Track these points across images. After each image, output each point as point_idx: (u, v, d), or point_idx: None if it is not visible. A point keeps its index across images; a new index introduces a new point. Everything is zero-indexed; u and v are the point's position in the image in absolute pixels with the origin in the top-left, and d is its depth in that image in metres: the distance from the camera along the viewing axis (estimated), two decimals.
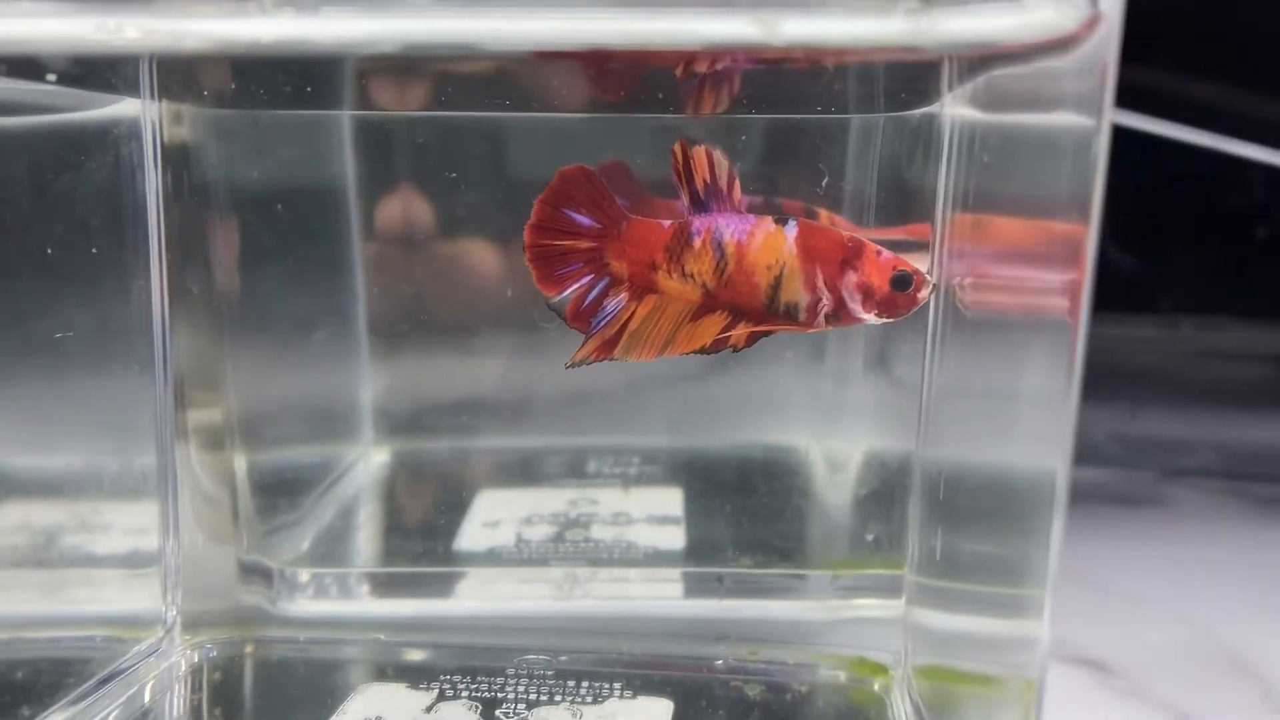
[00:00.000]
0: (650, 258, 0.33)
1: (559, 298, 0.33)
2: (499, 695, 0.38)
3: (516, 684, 0.39)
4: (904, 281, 0.32)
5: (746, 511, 0.48)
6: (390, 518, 0.50)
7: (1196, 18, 0.67)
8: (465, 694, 0.39)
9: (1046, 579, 0.25)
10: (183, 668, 0.40)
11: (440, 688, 0.39)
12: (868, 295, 0.32)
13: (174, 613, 0.41)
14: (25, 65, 0.30)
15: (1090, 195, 0.24)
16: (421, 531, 0.48)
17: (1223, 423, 0.73)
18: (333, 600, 0.45)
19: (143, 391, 0.40)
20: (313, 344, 0.48)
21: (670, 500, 0.49)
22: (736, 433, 0.51)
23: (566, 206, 0.33)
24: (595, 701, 0.38)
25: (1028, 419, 0.28)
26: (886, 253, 0.32)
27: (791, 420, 0.50)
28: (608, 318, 0.33)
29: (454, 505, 0.49)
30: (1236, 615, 0.49)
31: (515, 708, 0.38)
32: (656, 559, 0.46)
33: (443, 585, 0.46)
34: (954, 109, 0.37)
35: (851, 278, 0.32)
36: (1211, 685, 0.43)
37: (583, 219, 0.33)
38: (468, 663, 0.41)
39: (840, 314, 0.33)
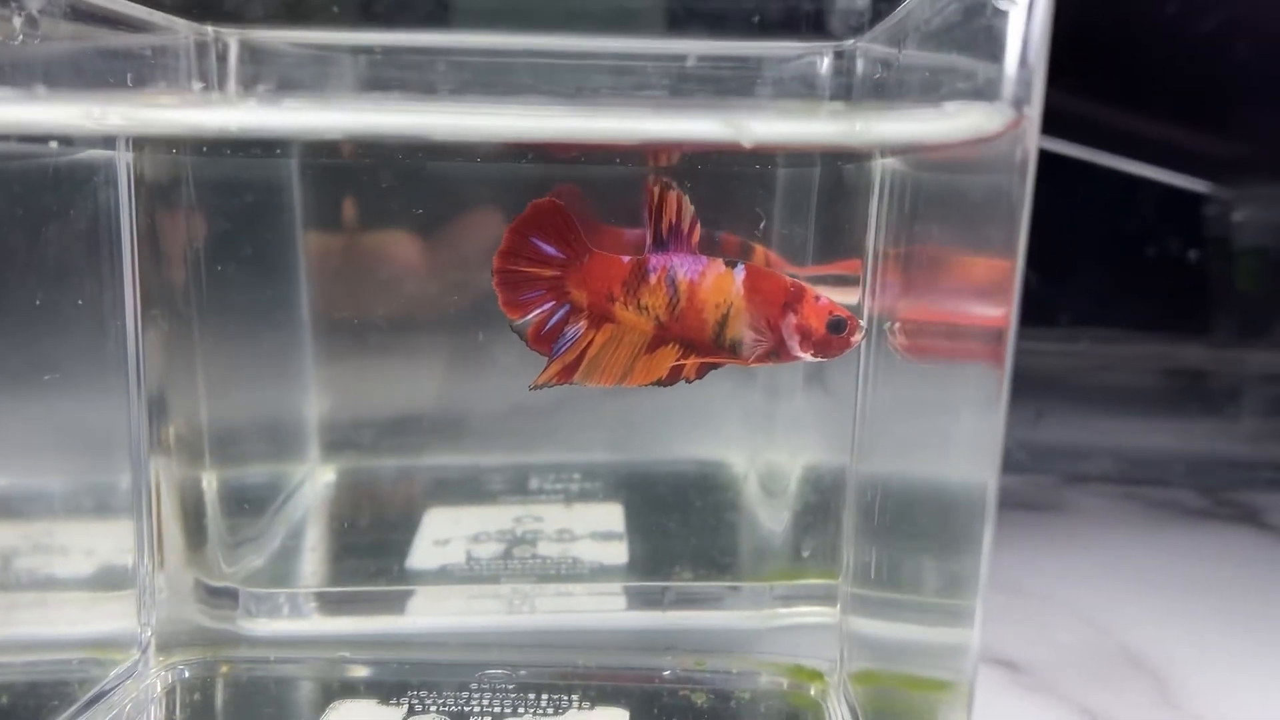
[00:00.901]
0: (608, 289, 0.36)
1: (522, 321, 0.36)
2: (465, 709, 0.41)
3: (481, 698, 0.42)
4: (839, 326, 0.35)
5: (685, 526, 0.51)
6: (343, 537, 0.52)
7: (1093, 42, 0.71)
8: (434, 708, 0.41)
9: (978, 589, 0.28)
10: (158, 689, 0.42)
11: (409, 703, 0.41)
12: (805, 336, 0.35)
13: (149, 633, 0.43)
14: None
15: (1015, 249, 0.27)
16: (375, 550, 0.50)
17: (1119, 430, 0.78)
18: (294, 619, 0.47)
19: (117, 414, 0.41)
20: (264, 365, 0.50)
21: (612, 516, 0.52)
22: (672, 448, 0.53)
23: (535, 235, 0.35)
24: (557, 713, 0.41)
25: (958, 440, 0.31)
26: (825, 298, 0.36)
27: (726, 436, 0.53)
28: (568, 344, 0.36)
29: (403, 524, 0.51)
30: (1136, 616, 0.53)
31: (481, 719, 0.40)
32: (601, 574, 0.49)
33: (400, 603, 0.48)
34: (885, 161, 0.40)
35: (791, 320, 0.35)
36: (1114, 682, 0.47)
37: (549, 249, 0.35)
38: (431, 678, 0.43)
39: (779, 352, 0.36)
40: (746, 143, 0.27)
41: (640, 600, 0.48)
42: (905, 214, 0.38)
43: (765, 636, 0.46)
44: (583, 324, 0.36)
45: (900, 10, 0.40)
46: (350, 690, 0.42)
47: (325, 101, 0.34)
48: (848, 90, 0.47)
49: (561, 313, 0.36)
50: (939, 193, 0.34)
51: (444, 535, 0.51)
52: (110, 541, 0.42)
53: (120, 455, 0.42)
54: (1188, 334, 0.89)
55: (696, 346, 0.35)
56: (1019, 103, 0.26)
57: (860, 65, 0.47)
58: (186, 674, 0.43)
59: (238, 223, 0.46)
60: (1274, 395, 0.89)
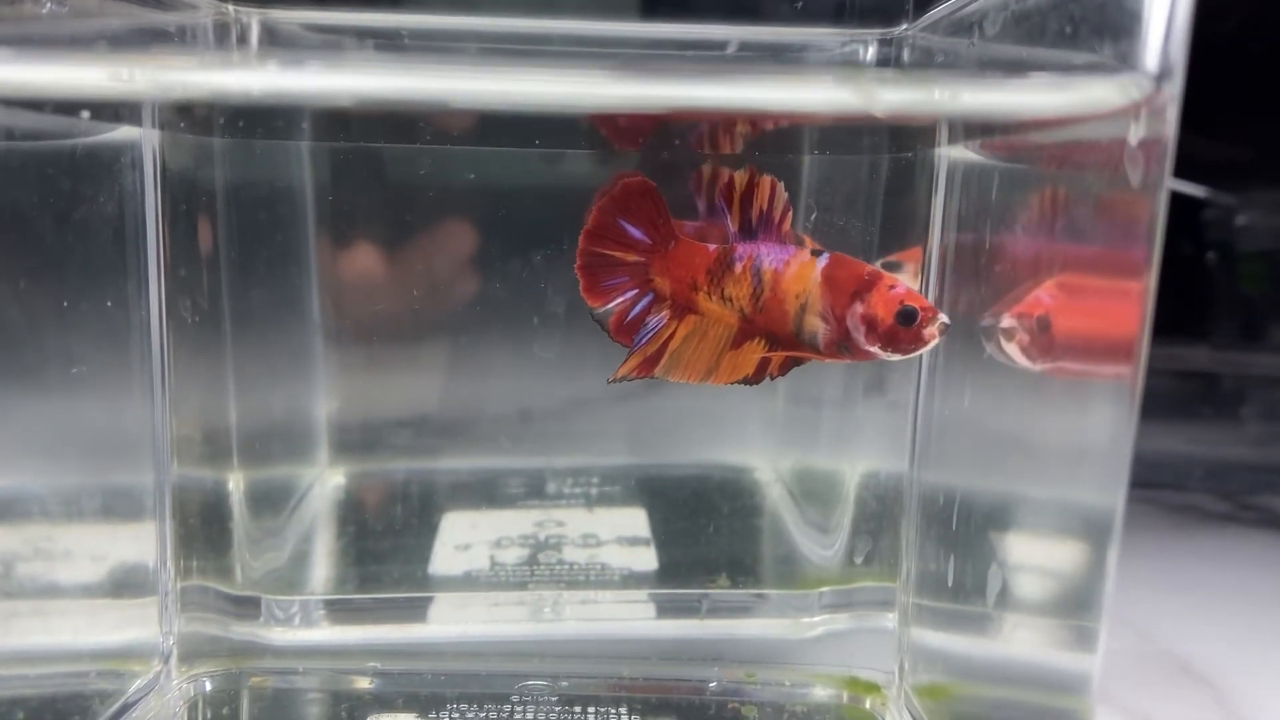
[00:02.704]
0: (693, 278, 0.33)
1: (603, 309, 0.34)
2: None
3: (524, 711, 0.40)
4: (909, 316, 0.32)
5: (713, 531, 0.49)
6: (361, 542, 0.50)
7: None
8: None
9: (1101, 612, 0.27)
10: (182, 702, 0.40)
11: (451, 716, 0.39)
12: (871, 327, 0.32)
13: (171, 642, 0.40)
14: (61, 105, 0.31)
15: (1150, 247, 0.26)
16: (395, 555, 0.48)
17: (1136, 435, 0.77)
18: (319, 628, 0.44)
19: (141, 417, 0.39)
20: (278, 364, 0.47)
21: (636, 520, 0.50)
22: (694, 452, 0.52)
23: (623, 217, 0.33)
24: None
25: (1077, 457, 0.30)
26: (902, 287, 0.32)
27: (757, 439, 0.51)
28: (649, 334, 0.34)
29: (422, 529, 0.49)
30: (1178, 621, 0.52)
31: None
32: (631, 580, 0.47)
33: (425, 610, 0.46)
34: (949, 150, 0.39)
35: (858, 309, 0.32)
36: (1168, 689, 0.46)
37: (636, 232, 0.33)
38: (468, 689, 0.41)
39: (849, 345, 0.33)
40: (879, 112, 0.25)
41: (676, 608, 0.47)
42: (981, 206, 0.36)
43: (812, 646, 0.44)
44: (665, 314, 0.34)
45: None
46: (385, 704, 0.40)
47: (347, 64, 0.32)
48: None
49: (645, 302, 0.34)
50: (1031, 183, 0.32)
51: (464, 540, 0.49)
52: (132, 547, 0.39)
53: (143, 458, 0.39)
54: (1195, 337, 0.88)
55: (780, 340, 0.33)
56: (1163, 75, 0.24)
57: (907, 53, 0.46)
58: (209, 686, 0.41)
59: (258, 211, 0.44)
60: (1278, 399, 0.89)
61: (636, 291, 0.34)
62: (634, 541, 0.49)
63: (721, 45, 0.47)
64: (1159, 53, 0.24)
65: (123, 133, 0.38)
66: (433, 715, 0.39)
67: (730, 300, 0.33)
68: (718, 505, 0.51)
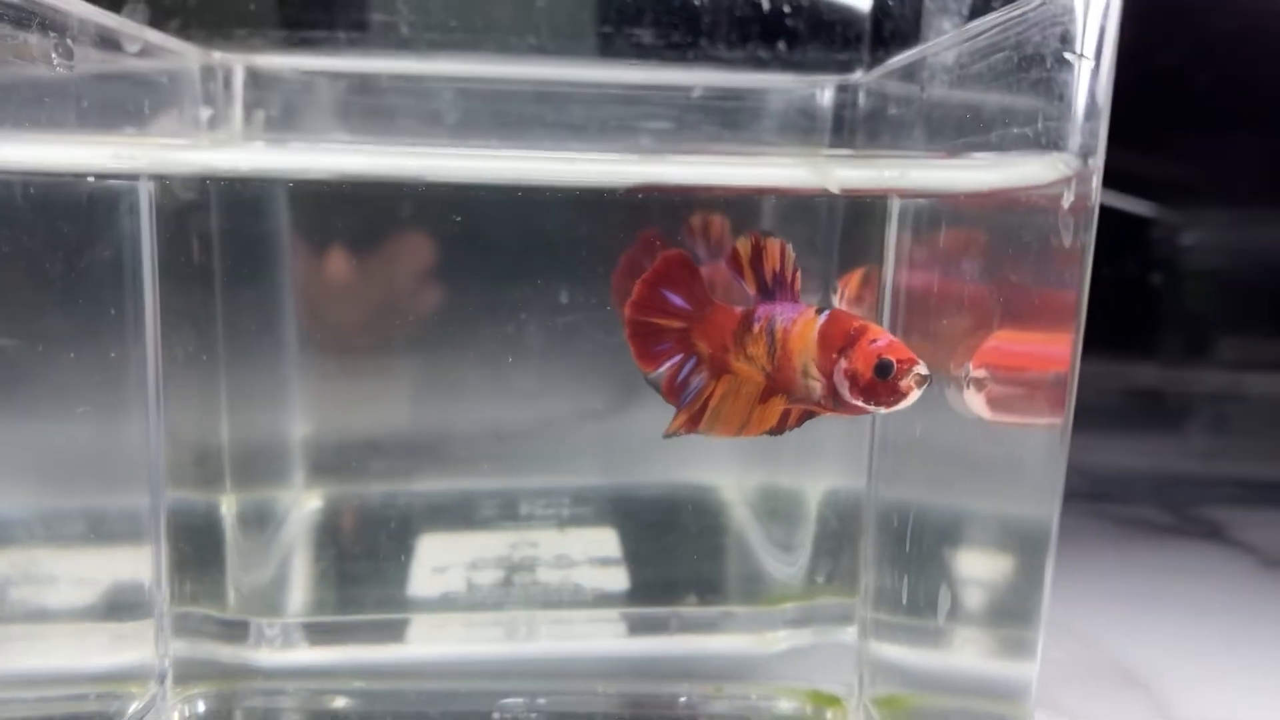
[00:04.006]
0: (724, 341, 0.35)
1: (655, 373, 0.35)
2: None
3: None
4: (884, 370, 0.32)
5: (681, 551, 0.52)
6: (340, 565, 0.51)
7: None
8: None
9: (1039, 621, 0.29)
10: None
11: None
12: (854, 382, 0.33)
13: (168, 663, 0.42)
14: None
15: (1078, 291, 0.28)
16: (374, 578, 0.50)
17: (1085, 449, 0.81)
18: (304, 649, 0.46)
19: (136, 442, 0.41)
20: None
21: (606, 540, 0.52)
22: (661, 473, 0.54)
23: (665, 287, 0.35)
24: None
25: (1014, 473, 0.32)
26: (884, 340, 0.33)
27: (712, 460, 0.53)
28: (692, 394, 0.35)
29: (400, 551, 0.51)
30: (1123, 631, 0.55)
31: None
32: (603, 600, 0.49)
33: (405, 631, 0.48)
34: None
35: (842, 364, 0.33)
36: (1111, 695, 0.48)
37: (677, 300, 0.35)
38: (450, 708, 0.43)
39: (839, 400, 0.33)
40: (833, 188, 0.28)
41: (646, 626, 0.49)
42: (931, 248, 0.39)
43: (777, 661, 0.46)
44: (705, 374, 0.35)
45: (920, 50, 0.41)
46: None
47: (325, 145, 0.36)
48: (851, 124, 0.49)
49: (690, 365, 0.35)
50: (978, 231, 0.35)
51: (442, 563, 0.51)
52: (128, 570, 0.41)
53: (139, 483, 0.41)
54: (1142, 354, 0.92)
55: (795, 396, 0.34)
56: (1086, 153, 0.27)
57: (862, 99, 0.48)
58: (203, 707, 0.43)
59: (244, 251, 0.46)
60: (1223, 413, 0.93)
61: (682, 356, 0.35)
62: (605, 562, 0.51)
63: (687, 89, 0.50)
64: (1085, 135, 0.27)
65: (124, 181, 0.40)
66: None
67: (753, 359, 0.34)
68: (685, 525, 0.53)
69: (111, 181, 0.39)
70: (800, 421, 0.35)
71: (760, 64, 0.50)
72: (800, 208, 0.44)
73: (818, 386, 0.33)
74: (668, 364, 0.35)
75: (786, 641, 0.47)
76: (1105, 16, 0.26)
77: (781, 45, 0.50)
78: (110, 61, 0.39)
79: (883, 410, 0.33)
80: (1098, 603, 0.58)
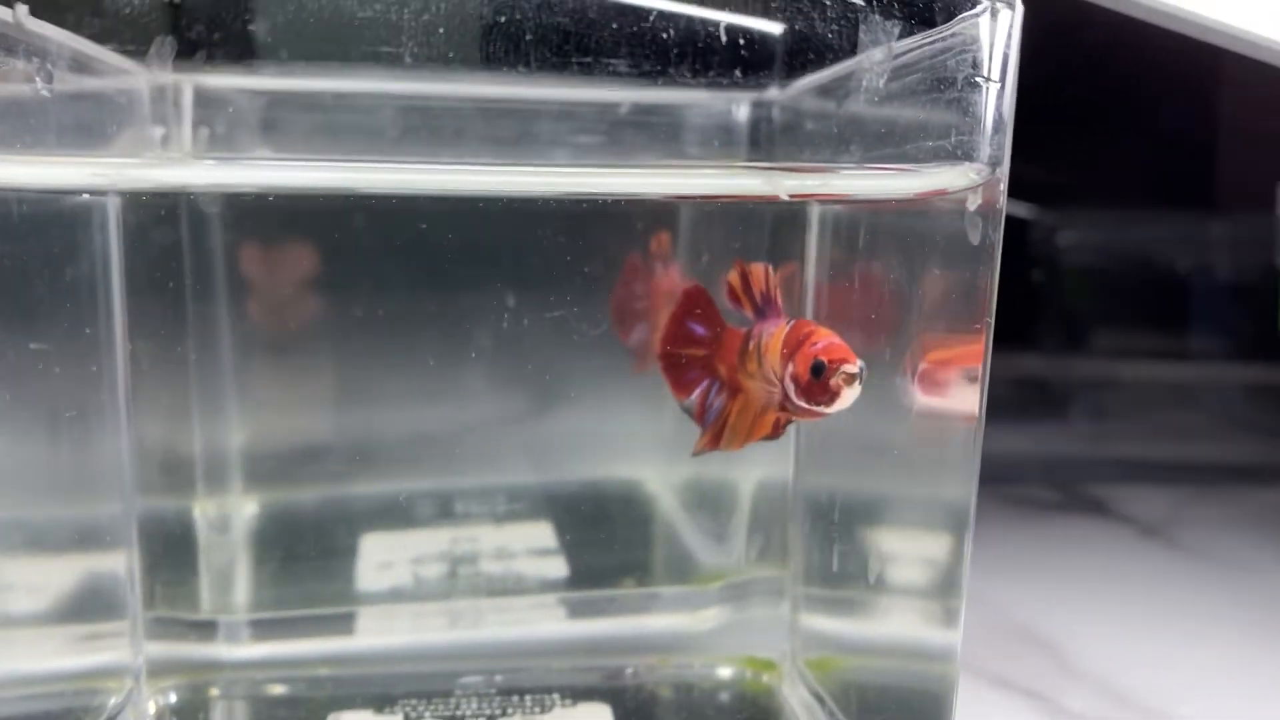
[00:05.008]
0: (733, 360, 0.37)
1: (689, 400, 0.38)
2: (457, 713, 0.44)
3: (469, 702, 0.45)
4: (816, 370, 0.33)
5: (616, 539, 0.55)
6: (289, 564, 0.53)
7: None
8: (428, 714, 0.44)
9: (961, 592, 0.34)
10: (156, 716, 0.43)
11: (404, 711, 0.44)
12: (797, 385, 0.33)
13: (141, 659, 0.44)
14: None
15: (989, 286, 0.33)
16: (324, 575, 0.52)
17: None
18: (267, 642, 0.48)
19: (108, 445, 0.43)
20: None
21: (543, 533, 0.55)
22: (587, 470, 0.57)
23: (689, 319, 0.37)
24: (543, 711, 0.44)
25: (936, 457, 0.36)
26: (823, 343, 0.33)
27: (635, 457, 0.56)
28: (714, 413, 0.37)
29: (345, 550, 0.53)
30: (1023, 596, 0.60)
31: None
32: (545, 586, 0.52)
33: (355, 623, 0.50)
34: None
35: (790, 368, 0.34)
36: (1018, 653, 0.53)
37: (700, 330, 0.37)
38: (414, 688, 0.46)
39: (793, 403, 0.34)
40: (783, 195, 0.32)
41: (589, 609, 0.52)
42: (849, 251, 0.43)
43: (713, 635, 0.50)
44: (724, 395, 0.37)
45: (838, 68, 0.45)
46: (341, 703, 0.45)
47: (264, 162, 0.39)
48: (769, 137, 0.53)
49: (716, 388, 0.37)
50: (894, 235, 0.39)
51: (386, 559, 0.53)
52: (104, 574, 0.43)
53: (111, 489, 0.43)
54: (1027, 346, 0.98)
55: (771, 402, 0.36)
56: (995, 163, 0.31)
57: (777, 114, 0.52)
58: (175, 698, 0.44)
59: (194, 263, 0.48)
60: (1101, 399, 1.00)
61: (709, 381, 0.38)
62: (544, 552, 0.54)
63: (615, 106, 0.53)
64: (994, 146, 0.31)
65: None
66: (388, 710, 0.44)
67: (751, 374, 0.36)
68: (615, 516, 0.56)
69: (85, 198, 0.41)
70: (779, 429, 0.36)
71: (680, 82, 0.54)
72: (728, 216, 0.48)
73: (777, 392, 0.35)
74: (698, 390, 0.37)
75: (721, 617, 0.51)
76: (1008, 45, 0.30)
77: (700, 64, 0.54)
78: (77, 83, 0.41)
79: (827, 410, 0.33)
80: (1000, 573, 0.63)
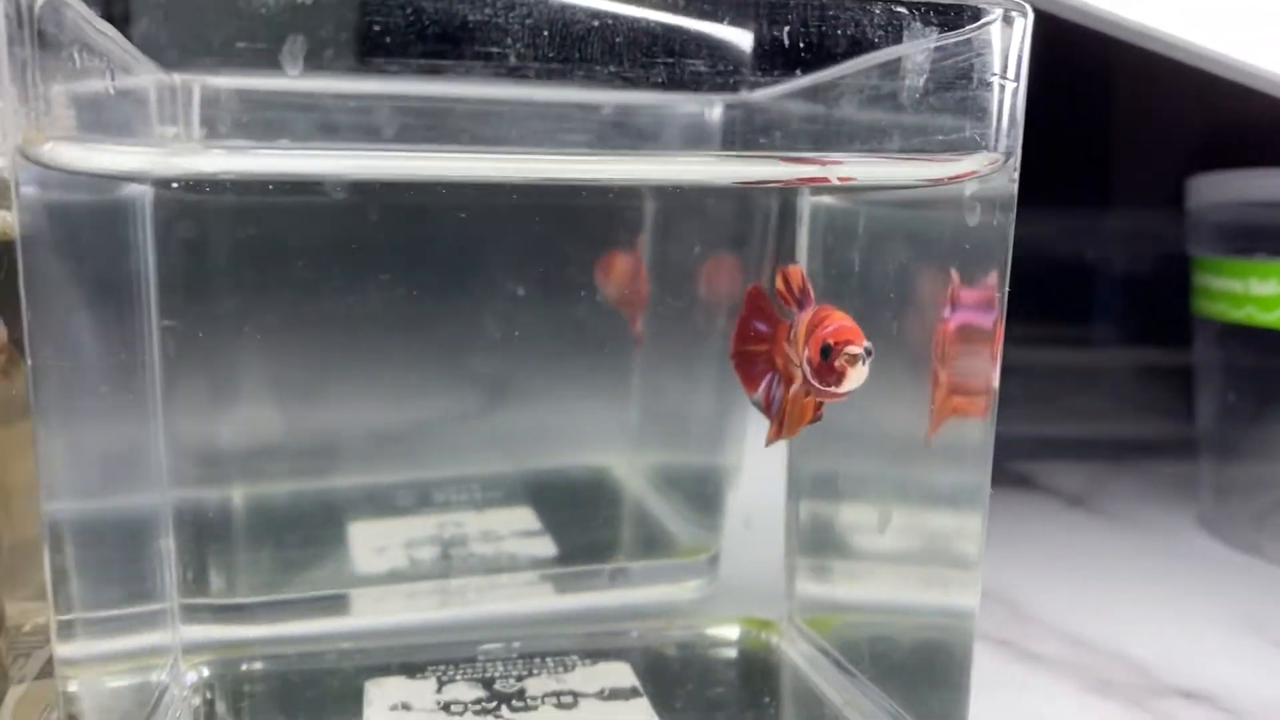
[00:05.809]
0: (784, 351, 0.39)
1: (757, 394, 0.40)
2: (487, 675, 0.47)
3: (495, 666, 0.48)
4: (824, 352, 0.34)
5: (601, 519, 0.58)
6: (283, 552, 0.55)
7: None
8: (460, 677, 0.46)
9: (979, 565, 0.38)
10: (195, 693, 0.45)
11: (436, 676, 0.47)
12: (811, 366, 0.35)
13: (178, 639, 0.46)
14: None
15: (1003, 269, 0.37)
16: (321, 560, 0.54)
17: None
18: (291, 623, 0.50)
19: (145, 440, 0.44)
20: None
21: (525, 516, 0.58)
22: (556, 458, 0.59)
23: (753, 318, 0.40)
24: (567, 670, 0.47)
25: (942, 442, 0.40)
26: (835, 325, 0.35)
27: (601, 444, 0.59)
28: (777, 404, 0.39)
29: (336, 539, 0.55)
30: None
31: (508, 681, 0.46)
32: (538, 563, 0.55)
33: (373, 601, 0.52)
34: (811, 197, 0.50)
35: (805, 353, 0.35)
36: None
37: (763, 327, 0.39)
38: (441, 656, 0.48)
39: (812, 385, 0.36)
40: (833, 179, 0.36)
41: (587, 583, 0.54)
42: (845, 244, 0.46)
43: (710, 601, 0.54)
44: (782, 385, 0.39)
45: (825, 74, 0.49)
46: (378, 670, 0.47)
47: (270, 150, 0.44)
48: (744, 137, 0.56)
49: (778, 380, 0.39)
50: (895, 227, 0.43)
51: (382, 544, 0.55)
52: (146, 559, 0.44)
53: (148, 479, 0.44)
54: None
55: (803, 386, 0.37)
56: (1009, 152, 0.35)
57: (747, 115, 0.56)
58: (208, 674, 0.46)
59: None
60: (1014, 384, 1.06)
61: (771, 374, 0.39)
62: (529, 534, 0.57)
63: (597, 108, 0.56)
64: (1009, 139, 0.35)
65: (131, 191, 0.43)
66: (420, 675, 0.46)
67: (794, 362, 0.38)
68: (596, 499, 0.59)
69: (127, 190, 0.43)
70: (818, 412, 0.38)
71: (657, 85, 0.57)
72: (732, 209, 0.52)
73: (800, 375, 0.37)
74: (764, 384, 0.40)
75: (715, 585, 0.54)
76: (1022, 47, 0.35)
77: (675, 68, 0.57)
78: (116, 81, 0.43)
79: (839, 390, 0.35)
80: None
